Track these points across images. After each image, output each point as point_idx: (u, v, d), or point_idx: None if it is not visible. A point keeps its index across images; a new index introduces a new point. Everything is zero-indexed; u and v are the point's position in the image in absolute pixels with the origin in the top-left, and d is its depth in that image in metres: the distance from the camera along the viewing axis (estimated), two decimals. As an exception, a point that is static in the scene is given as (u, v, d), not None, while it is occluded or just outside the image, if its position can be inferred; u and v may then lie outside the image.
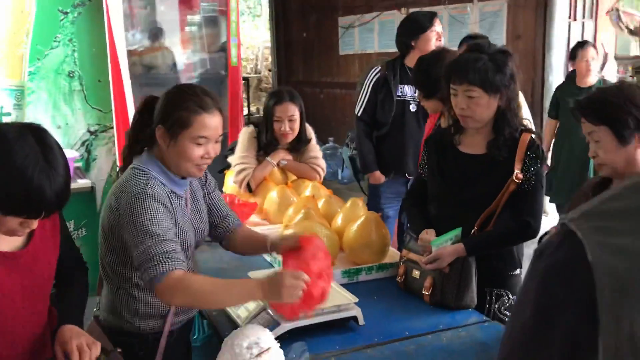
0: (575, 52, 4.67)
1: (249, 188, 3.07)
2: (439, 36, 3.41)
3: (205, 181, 2.05)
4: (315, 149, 3.25)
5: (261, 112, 11.29)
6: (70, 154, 3.62)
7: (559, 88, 4.88)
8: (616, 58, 6.70)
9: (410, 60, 3.33)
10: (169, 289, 1.61)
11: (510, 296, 2.20)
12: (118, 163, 4.17)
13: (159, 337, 1.84)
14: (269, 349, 1.58)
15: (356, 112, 3.61)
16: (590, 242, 0.49)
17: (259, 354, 1.55)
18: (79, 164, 4.12)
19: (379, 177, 3.57)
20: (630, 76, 11.13)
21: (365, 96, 3.53)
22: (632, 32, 6.62)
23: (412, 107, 3.47)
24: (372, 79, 3.52)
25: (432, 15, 3.46)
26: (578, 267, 0.50)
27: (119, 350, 1.67)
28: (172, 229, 1.72)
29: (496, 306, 2.19)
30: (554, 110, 4.80)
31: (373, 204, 3.59)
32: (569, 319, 0.50)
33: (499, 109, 2.10)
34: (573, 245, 0.51)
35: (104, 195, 4.39)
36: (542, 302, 0.53)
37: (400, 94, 3.47)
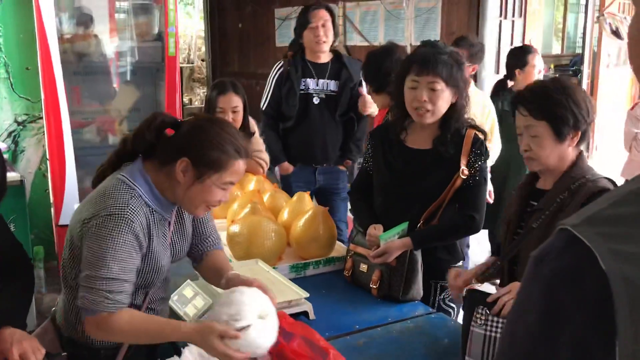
0: (525, 57, 4.02)
1: None
2: (319, 30, 3.42)
3: None
4: (258, 142, 3.22)
5: (194, 103, 11.03)
6: (-3, 145, 3.43)
7: (496, 101, 3.88)
8: (543, 57, 6.96)
9: (309, 55, 3.50)
10: (94, 326, 1.55)
11: None
12: (48, 155, 3.98)
13: (110, 353, 1.72)
14: (248, 326, 1.45)
15: (261, 106, 3.65)
16: (601, 250, 0.50)
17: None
18: (6, 156, 3.90)
19: (287, 167, 3.61)
20: (552, 73, 11.67)
21: (269, 91, 3.58)
22: (615, 34, 6.93)
23: (316, 100, 3.53)
24: (275, 74, 3.58)
25: (310, 8, 3.50)
26: (588, 274, 0.50)
27: (63, 354, 1.60)
28: (132, 266, 1.59)
29: (441, 297, 2.24)
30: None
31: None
32: (578, 325, 0.50)
33: (454, 105, 2.14)
34: (579, 251, 0.51)
35: (33, 189, 4.19)
36: (548, 307, 0.52)
37: (303, 87, 3.51)
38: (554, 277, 0.52)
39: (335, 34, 3.54)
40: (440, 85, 2.07)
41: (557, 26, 13.20)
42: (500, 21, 5.86)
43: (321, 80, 3.53)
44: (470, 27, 5.80)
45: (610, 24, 7.16)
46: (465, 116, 2.17)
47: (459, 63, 2.10)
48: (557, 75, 10.78)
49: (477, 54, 3.80)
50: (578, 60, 10.68)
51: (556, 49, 13.07)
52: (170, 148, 1.62)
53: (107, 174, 1.67)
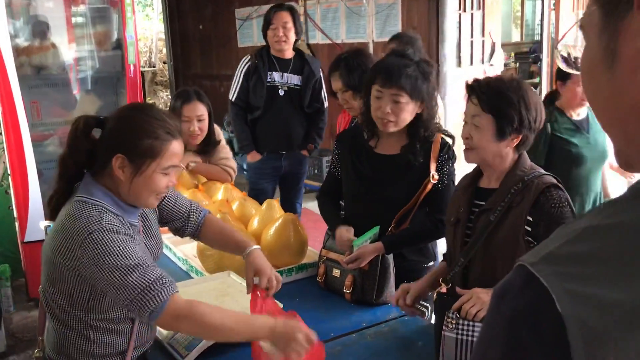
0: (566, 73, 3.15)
1: None
2: (279, 30, 3.70)
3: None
4: (224, 150, 3.20)
5: (157, 106, 10.92)
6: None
7: (547, 121, 2.95)
8: (502, 46, 7.06)
9: (273, 50, 3.78)
10: (175, 318, 1.50)
11: None
12: (9, 170, 3.90)
13: None
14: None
15: (230, 97, 3.90)
16: (557, 291, 0.51)
17: None
18: (-35, 174, 3.81)
19: (255, 155, 3.88)
20: (513, 62, 11.83)
21: (237, 83, 3.84)
22: (566, 60, 7.04)
23: (281, 92, 3.82)
24: (243, 68, 3.83)
25: (272, 10, 3.75)
26: (545, 315, 0.51)
27: None
28: (144, 254, 1.55)
29: None
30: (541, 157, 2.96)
31: (253, 180, 4.00)
32: None
33: (420, 115, 2.15)
34: (537, 290, 0.52)
35: (-5, 207, 4.09)
36: (510, 346, 0.54)
37: (269, 80, 3.78)
38: (514, 316, 0.54)
39: (298, 33, 3.80)
40: (404, 98, 2.08)
41: (515, 14, 13.42)
42: (460, 14, 5.92)
43: (285, 74, 3.81)
44: (431, 22, 5.86)
45: (564, 56, 7.37)
46: (434, 121, 2.20)
47: (425, 74, 2.11)
48: (517, 63, 10.97)
49: (408, 41, 3.87)
50: (537, 47, 10.89)
51: (515, 37, 13.29)
52: (103, 148, 1.58)
53: (63, 203, 1.61)
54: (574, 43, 7.66)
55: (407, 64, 2.09)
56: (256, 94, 3.78)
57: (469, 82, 1.80)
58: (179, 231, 1.93)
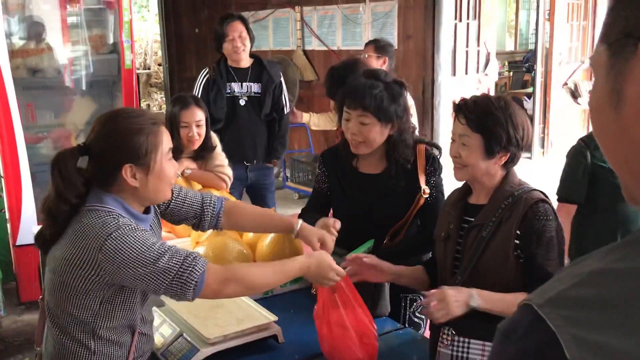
0: None
1: None
2: (236, 41, 3.74)
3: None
4: (220, 157, 3.20)
5: (152, 109, 10.89)
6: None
7: (587, 149, 2.64)
8: (496, 55, 7.09)
9: (231, 61, 3.82)
10: (221, 283, 1.56)
11: (422, 298, 2.28)
12: (2, 173, 3.87)
13: None
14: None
15: None
16: (565, 337, 0.51)
17: None
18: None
19: None
20: (507, 71, 11.89)
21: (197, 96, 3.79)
22: (572, 94, 7.29)
23: (242, 102, 3.83)
24: (202, 81, 3.86)
25: (224, 21, 3.81)
26: (552, 357, 0.51)
27: None
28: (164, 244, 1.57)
29: (411, 310, 2.27)
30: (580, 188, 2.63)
31: None
32: None
33: (390, 137, 2.15)
34: (544, 333, 0.52)
35: (-13, 210, 4.07)
36: None
37: (229, 91, 3.80)
38: (520, 357, 0.54)
39: (251, 40, 3.83)
40: (370, 120, 2.08)
41: (509, 23, 13.49)
42: (456, 24, 5.95)
43: (245, 84, 3.84)
44: (426, 31, 5.88)
45: (571, 89, 7.62)
46: (415, 134, 2.20)
47: (394, 95, 2.10)
48: (511, 72, 11.02)
49: (383, 47, 4.07)
50: (531, 56, 10.96)
51: (509, 46, 13.36)
52: (103, 169, 1.59)
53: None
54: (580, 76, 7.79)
55: (375, 84, 2.09)
56: (217, 105, 3.77)
57: (456, 102, 1.82)
58: (197, 227, 1.96)
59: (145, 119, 1.62)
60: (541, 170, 6.92)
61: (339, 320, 1.75)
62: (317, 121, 4.20)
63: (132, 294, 1.61)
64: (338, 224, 2.00)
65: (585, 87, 7.95)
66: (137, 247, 1.49)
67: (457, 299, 1.61)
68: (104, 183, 1.60)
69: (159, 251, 1.51)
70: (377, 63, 3.93)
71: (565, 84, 7.96)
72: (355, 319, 1.76)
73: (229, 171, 3.20)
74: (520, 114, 1.76)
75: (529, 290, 1.63)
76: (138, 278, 1.50)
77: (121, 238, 1.49)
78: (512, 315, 0.57)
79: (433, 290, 1.66)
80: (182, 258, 1.53)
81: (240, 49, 3.74)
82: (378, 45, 4.05)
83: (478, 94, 1.99)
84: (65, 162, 1.57)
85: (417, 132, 2.27)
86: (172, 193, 1.80)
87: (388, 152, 2.17)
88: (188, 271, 1.51)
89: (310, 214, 2.37)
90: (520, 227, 1.69)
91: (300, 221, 1.95)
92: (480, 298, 1.62)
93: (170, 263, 1.51)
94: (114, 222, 1.52)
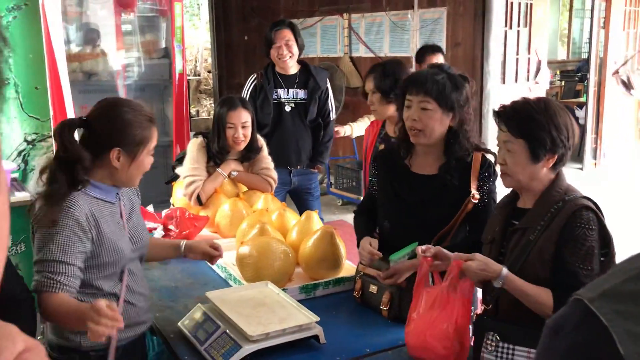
0: None
1: (199, 201, 3.02)
2: (283, 49, 3.73)
3: (137, 191, 2.11)
4: (266, 160, 3.23)
5: (201, 114, 11.08)
6: (7, 165, 3.46)
7: None
8: (548, 63, 6.96)
9: (279, 67, 3.83)
10: (41, 307, 1.70)
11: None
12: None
13: (101, 354, 1.80)
14: None
15: None
16: (619, 331, 0.49)
17: None
18: (16, 175, 3.93)
19: None
20: (558, 80, 11.62)
21: (244, 98, 3.83)
22: (625, 85, 7.19)
23: (288, 108, 3.86)
24: (249, 87, 3.90)
25: (274, 28, 3.80)
26: (605, 353, 0.50)
27: None
28: (74, 249, 1.73)
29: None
30: None
31: None
32: None
33: (450, 129, 2.14)
34: (596, 328, 0.50)
35: (42, 207, 4.22)
36: None
37: (275, 97, 3.82)
38: (570, 352, 0.52)
39: (300, 47, 3.83)
40: (432, 105, 2.08)
41: (562, 32, 13.19)
42: (506, 31, 5.87)
43: (291, 90, 3.86)
44: (475, 37, 5.82)
45: (624, 80, 7.46)
46: (472, 140, 2.17)
47: (457, 84, 2.10)
48: (562, 82, 10.76)
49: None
50: (583, 65, 10.68)
51: (562, 55, 13.06)
52: (95, 144, 1.80)
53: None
54: (631, 68, 7.55)
55: (438, 73, 2.10)
56: (263, 111, 3.81)
57: (496, 109, 1.81)
58: None
59: (144, 115, 1.84)
60: (593, 182, 6.72)
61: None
62: (358, 129, 4.20)
63: (103, 265, 1.82)
64: (220, 250, 2.18)
65: (638, 78, 7.69)
66: (46, 230, 1.71)
67: (478, 275, 1.68)
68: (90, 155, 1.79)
69: (49, 249, 1.70)
70: None
71: (617, 72, 7.70)
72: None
73: (274, 174, 3.23)
74: (562, 113, 1.73)
75: (557, 296, 1.61)
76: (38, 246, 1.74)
77: (48, 215, 1.71)
78: (561, 311, 0.56)
79: (465, 255, 1.71)
80: (47, 271, 1.69)
81: (286, 57, 3.75)
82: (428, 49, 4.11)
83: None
84: (68, 128, 1.78)
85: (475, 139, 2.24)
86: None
87: (447, 144, 2.14)
88: (37, 280, 1.70)
89: (359, 218, 2.40)
90: (560, 233, 1.66)
91: (184, 241, 2.19)
92: (506, 283, 1.65)
93: (41, 264, 1.70)
94: (71, 212, 1.72)
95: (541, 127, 1.68)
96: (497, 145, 1.82)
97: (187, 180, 3.04)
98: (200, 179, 3.03)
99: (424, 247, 1.87)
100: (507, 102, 1.82)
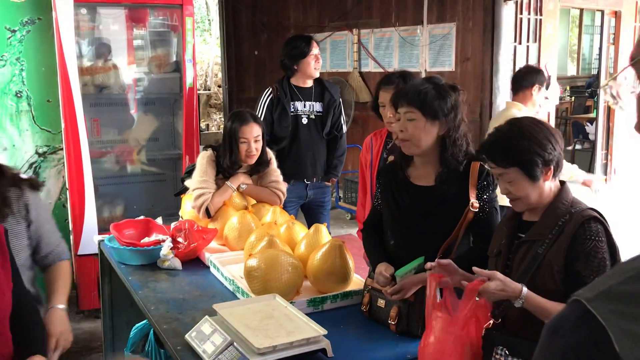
0: None
1: (207, 213, 3.03)
2: (317, 59, 3.85)
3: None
4: (275, 173, 3.24)
5: (210, 129, 11.14)
6: (18, 177, 3.47)
7: None
8: (557, 79, 6.96)
9: (296, 80, 3.87)
10: None
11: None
12: (67, 185, 4.04)
13: None
14: None
15: None
16: (615, 330, 0.50)
17: None
18: (27, 187, 3.96)
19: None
20: (568, 95, 11.60)
21: (261, 116, 3.85)
22: (613, 97, 7.23)
23: (304, 120, 3.90)
24: (265, 100, 3.89)
25: (309, 40, 3.88)
26: (601, 353, 0.50)
27: None
28: None
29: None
30: None
31: None
32: None
33: (439, 138, 2.15)
34: (593, 327, 0.51)
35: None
36: None
37: (292, 110, 3.84)
38: (568, 351, 0.52)
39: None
40: (416, 115, 2.10)
41: (571, 47, 13.20)
42: (515, 46, 5.87)
43: (307, 102, 3.90)
44: (485, 53, 5.83)
45: (613, 94, 7.45)
46: (465, 148, 2.18)
47: (442, 93, 2.11)
48: (572, 98, 10.75)
49: (530, 72, 4.07)
50: (593, 81, 10.67)
51: (571, 71, 13.06)
52: None
53: None
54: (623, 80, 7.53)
55: (423, 83, 2.13)
56: (281, 124, 3.85)
57: (477, 150, 1.87)
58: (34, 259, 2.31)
59: None
60: (604, 198, 6.68)
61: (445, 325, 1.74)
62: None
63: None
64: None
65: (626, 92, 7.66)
66: None
67: (496, 295, 1.65)
68: None
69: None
70: (530, 91, 3.93)
71: (607, 84, 7.69)
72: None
73: (283, 187, 3.24)
74: (536, 128, 1.76)
75: None
76: None
77: None
78: (560, 311, 0.56)
79: (481, 282, 1.68)
80: None
81: (318, 67, 3.86)
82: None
83: (538, 117, 1.98)
84: None
85: (471, 148, 2.24)
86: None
87: (440, 154, 2.16)
88: None
89: (367, 232, 2.42)
90: (570, 246, 1.66)
91: (56, 305, 2.25)
92: (526, 302, 1.63)
93: None
94: None
95: (525, 150, 1.72)
96: (496, 177, 1.86)
97: (196, 192, 3.05)
98: (209, 192, 3.04)
99: (431, 263, 1.87)
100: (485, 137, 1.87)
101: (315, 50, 3.84)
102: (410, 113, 2.10)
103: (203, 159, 3.14)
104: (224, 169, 3.10)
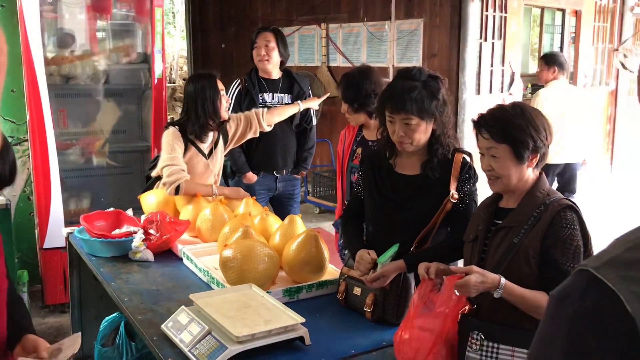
0: None
1: (176, 191, 3.02)
2: (266, 48, 3.78)
3: None
4: (235, 115, 3.44)
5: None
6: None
7: None
8: (521, 76, 7.10)
9: (262, 72, 3.87)
10: None
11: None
12: (33, 177, 3.95)
13: None
14: None
15: None
16: (625, 293, 0.52)
17: None
18: (-11, 179, 3.85)
19: (251, 177, 3.89)
20: (530, 93, 11.86)
21: (230, 107, 3.78)
22: (624, 67, 7.43)
23: None
24: (233, 92, 3.87)
25: (259, 30, 3.91)
26: (612, 317, 0.52)
27: None
28: None
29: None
30: None
31: None
32: None
33: (434, 132, 2.19)
34: (602, 292, 0.53)
35: (17, 212, 4.14)
36: (573, 349, 0.54)
37: (261, 101, 3.83)
38: (578, 318, 0.54)
39: (282, 54, 3.85)
40: (415, 120, 2.14)
41: (532, 46, 13.45)
42: (481, 43, 5.98)
43: (276, 94, 3.88)
44: (451, 49, 5.91)
45: (621, 61, 7.69)
46: (451, 139, 2.23)
47: (433, 92, 2.14)
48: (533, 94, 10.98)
49: (550, 57, 5.44)
50: (555, 79, 10.91)
51: (533, 68, 13.29)
52: None
53: None
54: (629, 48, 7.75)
55: (412, 86, 2.13)
56: None
57: (474, 119, 1.87)
58: None
59: None
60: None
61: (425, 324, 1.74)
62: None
63: None
64: None
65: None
66: None
67: (477, 288, 1.66)
68: None
69: None
70: (549, 73, 5.21)
71: (616, 49, 7.91)
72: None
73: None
74: (537, 115, 1.82)
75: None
76: None
77: None
78: (566, 281, 0.58)
79: (459, 278, 1.69)
80: None
81: (264, 58, 3.77)
82: (546, 57, 4.85)
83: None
84: None
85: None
86: None
87: (430, 145, 2.20)
88: None
89: (347, 220, 2.44)
90: (545, 234, 1.71)
91: None
92: (505, 292, 1.66)
93: None
94: None
95: (522, 130, 1.76)
96: (480, 152, 1.87)
97: (166, 169, 3.03)
98: (180, 168, 3.03)
99: (429, 270, 1.86)
100: (483, 111, 1.88)
101: (261, 41, 3.79)
102: (408, 119, 2.13)
103: (168, 136, 3.13)
104: (193, 138, 3.15)
